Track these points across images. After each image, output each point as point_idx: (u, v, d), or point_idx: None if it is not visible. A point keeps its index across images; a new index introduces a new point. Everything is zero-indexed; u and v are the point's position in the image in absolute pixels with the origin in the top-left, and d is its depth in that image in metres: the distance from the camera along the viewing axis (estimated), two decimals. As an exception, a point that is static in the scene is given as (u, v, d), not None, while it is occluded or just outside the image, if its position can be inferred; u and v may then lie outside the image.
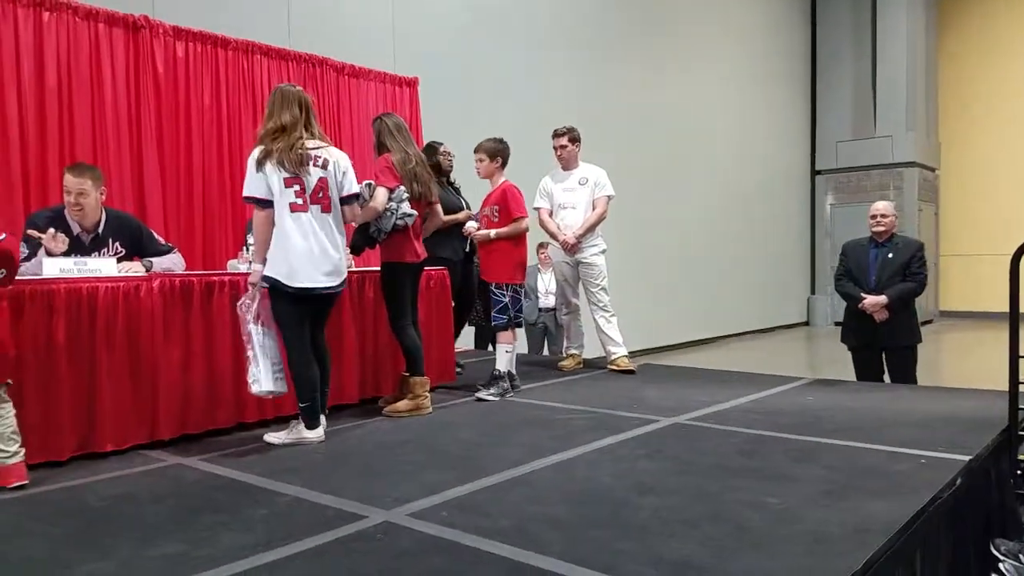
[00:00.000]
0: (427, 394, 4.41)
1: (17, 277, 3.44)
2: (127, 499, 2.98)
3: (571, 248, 5.70)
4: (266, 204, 3.63)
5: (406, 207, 4.24)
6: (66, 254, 3.80)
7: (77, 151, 5.06)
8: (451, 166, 5.57)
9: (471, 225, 5.12)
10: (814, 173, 16.26)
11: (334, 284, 3.80)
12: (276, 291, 3.69)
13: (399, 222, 4.20)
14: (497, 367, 4.86)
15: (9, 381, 3.14)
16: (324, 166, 3.74)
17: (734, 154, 13.56)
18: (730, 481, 3.00)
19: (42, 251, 3.74)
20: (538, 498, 2.86)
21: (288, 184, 3.62)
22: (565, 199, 5.76)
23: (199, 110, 5.65)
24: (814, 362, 11.52)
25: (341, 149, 4.03)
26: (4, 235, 3.06)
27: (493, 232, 4.85)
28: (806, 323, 15.96)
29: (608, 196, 5.76)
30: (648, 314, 10.64)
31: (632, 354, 6.07)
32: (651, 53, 11.63)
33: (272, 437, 3.82)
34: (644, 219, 10.89)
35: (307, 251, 3.67)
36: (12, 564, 2.37)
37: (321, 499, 2.90)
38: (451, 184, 5.59)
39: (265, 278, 3.68)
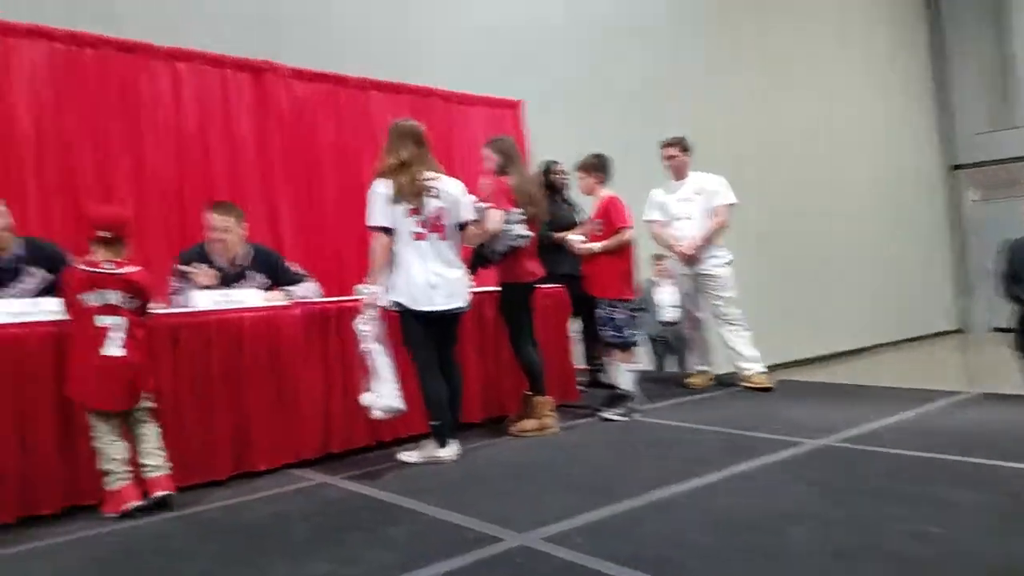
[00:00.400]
0: (552, 413, 4.44)
1: (172, 310, 3.73)
2: (279, 517, 3.13)
3: (689, 259, 5.56)
4: (387, 231, 3.84)
5: (519, 229, 4.33)
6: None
7: (215, 190, 5.36)
8: (565, 184, 5.58)
9: (574, 238, 4.99)
10: (951, 168, 15.06)
11: (455, 306, 3.96)
12: (404, 314, 3.87)
13: (512, 243, 4.31)
14: (620, 386, 4.80)
15: (152, 404, 3.34)
16: (439, 196, 3.92)
17: (862, 156, 12.83)
18: (886, 509, 2.80)
19: (192, 285, 4.01)
20: (678, 525, 2.77)
21: (409, 214, 3.83)
22: (680, 210, 5.65)
23: (322, 146, 5.92)
24: (973, 374, 10.65)
25: (453, 174, 4.18)
26: (138, 268, 3.31)
27: (598, 245, 4.76)
28: (958, 330, 14.77)
29: (729, 204, 5.60)
30: (781, 327, 10.16)
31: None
32: (770, 56, 11.22)
33: (406, 456, 3.93)
34: (772, 230, 10.44)
35: (426, 277, 3.85)
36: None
37: (458, 519, 2.94)
38: (566, 201, 5.59)
39: (394, 303, 3.85)
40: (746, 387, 5.49)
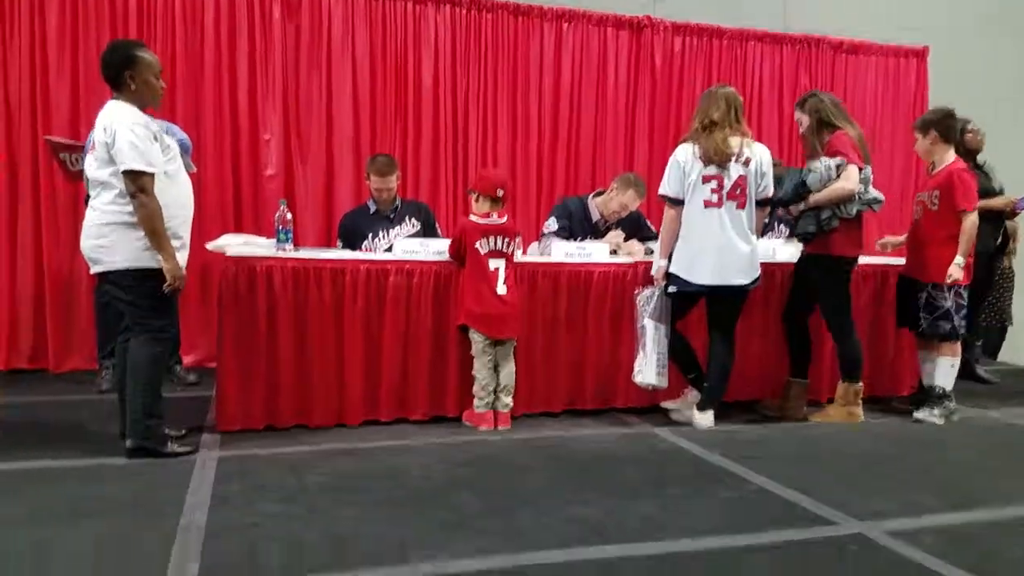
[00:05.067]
0: (859, 403, 4.02)
1: (532, 258, 4.07)
2: (608, 456, 3.29)
3: None
4: (677, 203, 3.70)
5: (874, 192, 3.87)
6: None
7: (582, 148, 5.75)
8: (980, 145, 4.84)
9: None
10: None
11: (746, 282, 3.72)
12: (675, 285, 3.74)
13: (862, 208, 3.86)
14: (938, 383, 4.10)
15: (515, 343, 3.73)
16: (746, 163, 3.66)
17: None
18: None
19: (553, 240, 4.24)
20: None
21: (706, 180, 3.63)
22: None
23: (690, 98, 5.87)
24: None
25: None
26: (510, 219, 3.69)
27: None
28: None
29: None
30: None
31: None
32: None
33: (668, 403, 3.98)
34: None
35: (715, 248, 3.64)
36: (520, 492, 2.79)
37: (789, 495, 2.85)
38: (979, 167, 4.85)
39: (672, 275, 3.74)
40: None
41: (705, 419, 3.82)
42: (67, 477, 2.81)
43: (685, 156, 3.67)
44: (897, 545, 2.39)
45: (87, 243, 2.99)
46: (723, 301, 3.80)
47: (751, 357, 4.19)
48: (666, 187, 3.73)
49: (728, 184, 3.64)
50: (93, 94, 4.45)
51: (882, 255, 4.57)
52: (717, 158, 3.60)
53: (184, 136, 4.14)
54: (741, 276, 3.71)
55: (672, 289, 3.75)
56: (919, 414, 4.08)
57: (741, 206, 3.68)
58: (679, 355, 3.89)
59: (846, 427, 3.92)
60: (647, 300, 3.79)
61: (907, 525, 2.56)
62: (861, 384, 4.03)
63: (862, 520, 2.59)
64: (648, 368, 3.76)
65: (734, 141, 3.64)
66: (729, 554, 2.32)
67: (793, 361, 4.12)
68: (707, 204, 3.65)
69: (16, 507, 2.50)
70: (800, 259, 4.08)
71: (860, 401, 4.03)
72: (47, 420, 3.63)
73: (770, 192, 3.77)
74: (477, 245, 3.64)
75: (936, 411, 4.05)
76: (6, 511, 2.47)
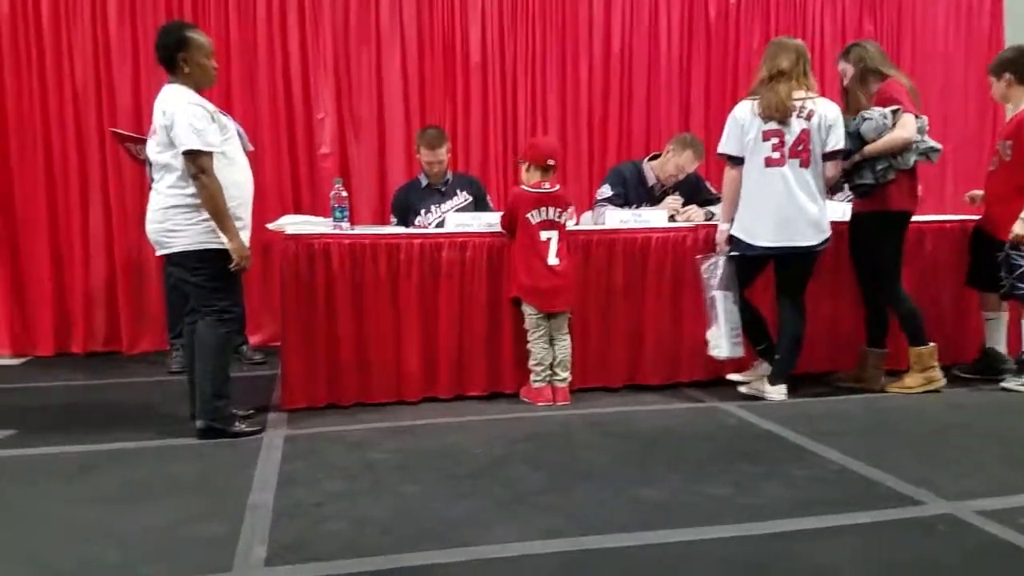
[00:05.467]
0: (936, 365, 3.78)
1: (584, 227, 3.98)
2: (673, 432, 3.22)
3: None
4: (738, 161, 3.55)
5: (930, 140, 3.66)
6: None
7: (634, 111, 5.62)
8: None
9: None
10: None
11: (814, 243, 3.55)
12: (737, 249, 3.60)
13: (919, 158, 3.65)
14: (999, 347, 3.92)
15: (570, 315, 3.68)
16: (808, 117, 3.48)
17: None
18: None
19: (607, 208, 4.14)
20: None
21: (766, 137, 3.47)
22: None
23: (747, 55, 5.70)
24: None
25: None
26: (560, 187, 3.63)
27: None
28: None
29: None
30: None
31: None
32: None
33: (735, 375, 3.79)
34: None
35: (777, 209, 3.48)
36: (579, 471, 2.76)
37: (870, 472, 2.71)
38: None
39: (733, 238, 3.60)
40: None
41: (777, 392, 3.69)
42: (139, 458, 2.90)
43: (743, 112, 3.53)
44: (989, 525, 2.25)
45: (152, 226, 3.05)
46: (790, 264, 3.64)
47: (824, 324, 4.00)
48: (725, 145, 3.59)
49: (790, 140, 3.48)
50: (154, 80, 4.50)
51: (970, 211, 4.27)
52: (778, 113, 3.45)
53: (236, 124, 4.16)
54: (807, 237, 3.54)
55: (734, 253, 3.62)
56: (1008, 384, 3.82)
57: (805, 163, 3.51)
58: (748, 325, 3.74)
59: (927, 398, 3.73)
60: (712, 269, 3.65)
61: (999, 504, 2.40)
62: (933, 345, 3.78)
63: (950, 500, 2.44)
64: (723, 340, 3.63)
65: (798, 95, 3.49)
66: (807, 537, 2.21)
67: (868, 328, 3.94)
68: (768, 162, 3.50)
69: (90, 487, 2.60)
70: (852, 217, 3.85)
71: (936, 364, 3.79)
72: (120, 401, 3.77)
73: (840, 145, 3.56)
74: (528, 216, 3.59)
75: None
76: (80, 491, 2.56)
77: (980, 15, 6.19)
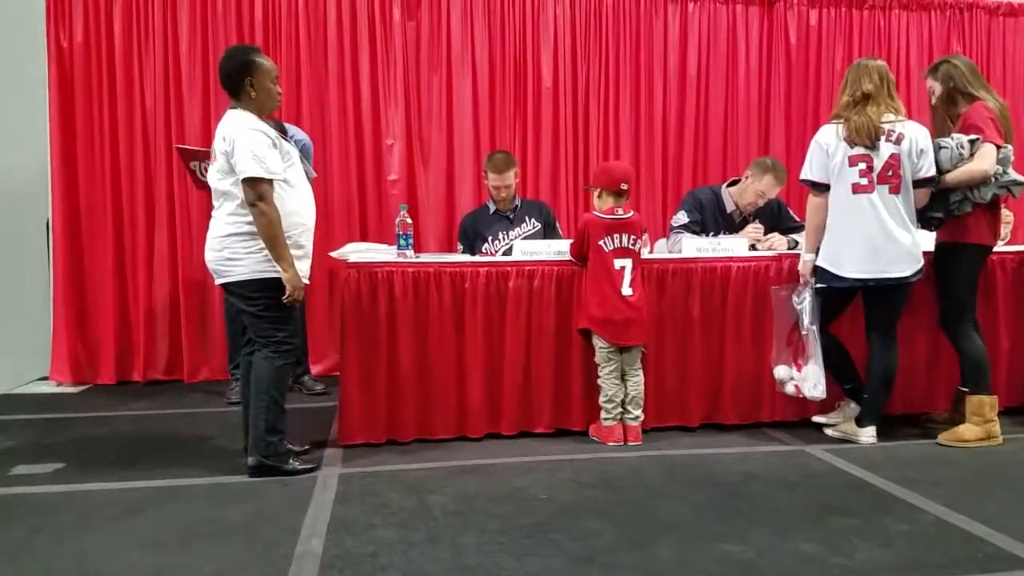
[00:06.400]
0: (996, 418, 3.43)
1: (659, 255, 3.77)
2: (756, 479, 2.96)
3: None
4: (823, 188, 3.32)
5: (1014, 174, 3.36)
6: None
7: (711, 136, 5.40)
8: None
9: None
10: None
11: (906, 274, 3.28)
12: (823, 280, 3.36)
13: (999, 192, 3.35)
14: None
15: (644, 350, 3.48)
16: (898, 141, 3.23)
17: None
18: None
19: (683, 236, 3.93)
20: None
21: (853, 162, 3.24)
22: None
23: (829, 76, 5.44)
24: None
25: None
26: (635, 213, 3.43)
27: None
28: None
29: None
30: None
31: None
32: None
33: (822, 418, 3.57)
34: None
35: (866, 237, 3.24)
36: (657, 523, 2.52)
37: (974, 527, 2.46)
38: None
39: (817, 269, 3.37)
40: None
41: (867, 435, 3.42)
42: (188, 497, 2.78)
43: (827, 137, 3.31)
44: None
45: (210, 255, 2.97)
46: (881, 297, 3.38)
47: (918, 362, 3.72)
48: (808, 172, 3.37)
49: (879, 165, 3.24)
50: (223, 102, 4.51)
51: None
52: (867, 137, 3.22)
53: (305, 136, 4.12)
54: (899, 267, 3.29)
55: (820, 285, 3.37)
56: None
57: (895, 190, 3.26)
58: (834, 362, 3.49)
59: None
60: (802, 301, 3.40)
61: None
62: (995, 396, 3.46)
63: (1067, 562, 2.18)
64: (820, 379, 3.38)
65: (887, 117, 3.25)
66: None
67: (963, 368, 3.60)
68: (856, 189, 3.26)
69: (135, 531, 2.46)
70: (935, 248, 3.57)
71: (996, 417, 3.44)
72: (175, 433, 3.68)
73: (931, 173, 3.30)
74: (601, 243, 3.40)
75: None
76: (124, 536, 2.43)
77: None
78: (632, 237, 3.43)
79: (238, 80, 2.92)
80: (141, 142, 4.75)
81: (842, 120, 3.29)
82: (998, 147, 3.34)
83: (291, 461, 2.99)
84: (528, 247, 3.67)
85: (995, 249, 3.56)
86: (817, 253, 3.40)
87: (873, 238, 3.27)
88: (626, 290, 3.40)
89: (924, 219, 3.45)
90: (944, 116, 3.53)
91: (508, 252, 3.97)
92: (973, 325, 3.50)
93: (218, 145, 2.89)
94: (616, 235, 3.41)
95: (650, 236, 3.97)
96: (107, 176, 4.73)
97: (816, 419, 3.58)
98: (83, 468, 3.11)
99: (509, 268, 3.48)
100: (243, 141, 2.80)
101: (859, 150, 3.25)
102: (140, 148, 4.75)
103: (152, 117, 4.75)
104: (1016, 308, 3.84)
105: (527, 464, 3.12)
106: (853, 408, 3.52)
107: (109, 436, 3.63)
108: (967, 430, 3.42)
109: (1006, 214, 3.67)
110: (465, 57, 5.07)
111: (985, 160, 3.31)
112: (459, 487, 2.85)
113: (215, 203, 3.00)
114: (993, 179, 3.34)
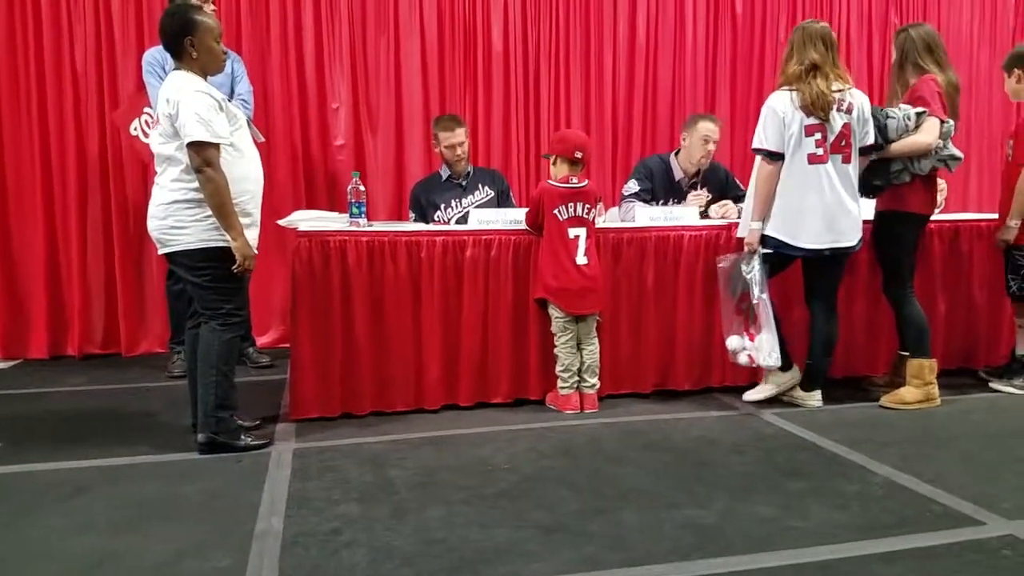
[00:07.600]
0: (935, 381, 3.56)
1: (612, 224, 3.76)
2: (711, 444, 3.01)
3: None
4: (778, 157, 3.32)
5: (952, 148, 3.46)
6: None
7: (659, 104, 5.40)
8: None
9: None
10: None
11: (852, 244, 3.37)
12: (780, 253, 3.39)
13: (937, 165, 3.46)
14: (1018, 351, 3.75)
15: (599, 319, 3.49)
16: (848, 111, 3.28)
17: None
18: None
19: (635, 204, 3.95)
20: None
21: (809, 132, 3.26)
22: None
23: (773, 45, 5.48)
24: None
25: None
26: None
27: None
28: None
29: None
30: None
31: None
32: None
33: (754, 394, 3.56)
34: None
35: (823, 208, 3.29)
36: (620, 490, 2.54)
37: (921, 487, 2.55)
38: None
39: (767, 239, 3.37)
40: None
41: (813, 399, 3.52)
42: (138, 476, 2.67)
43: (783, 105, 3.29)
44: (1061, 550, 2.06)
45: (153, 223, 2.82)
46: (827, 267, 3.44)
47: (855, 327, 3.83)
48: (763, 140, 3.34)
49: (832, 136, 3.27)
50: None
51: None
52: (821, 107, 3.23)
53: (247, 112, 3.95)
54: (850, 237, 3.37)
55: (767, 251, 3.40)
56: (997, 384, 3.80)
57: (847, 159, 3.32)
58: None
59: (972, 402, 3.58)
60: (752, 270, 3.40)
61: (1076, 526, 2.21)
62: (935, 359, 3.58)
63: (1011, 519, 2.28)
64: (774, 347, 3.38)
65: (836, 86, 3.27)
66: (867, 564, 2.03)
67: (900, 332, 3.72)
68: (812, 159, 3.28)
69: (85, 513, 2.36)
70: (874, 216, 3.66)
71: (935, 379, 3.56)
72: (117, 409, 3.53)
73: (870, 140, 3.37)
74: (556, 212, 3.38)
75: (1017, 381, 3.75)
76: (75, 518, 2.33)
77: (1005, 10, 5.97)
78: (586, 206, 3.41)
79: (178, 40, 2.76)
80: (72, 106, 4.49)
81: (794, 89, 3.29)
82: (942, 122, 3.42)
83: (243, 437, 2.91)
84: (484, 216, 3.63)
85: (932, 218, 3.67)
86: (763, 223, 3.41)
87: (830, 208, 3.31)
88: (581, 259, 3.39)
89: (865, 186, 3.51)
90: (894, 86, 3.60)
91: (461, 220, 3.91)
92: (912, 289, 3.61)
93: (161, 108, 2.75)
94: (571, 204, 3.38)
95: (604, 204, 3.98)
96: (35, 141, 4.46)
97: (748, 397, 3.57)
98: (21, 448, 2.96)
99: (466, 237, 3.42)
100: (187, 103, 2.66)
101: (814, 120, 3.27)
102: (71, 112, 4.49)
103: (84, 81, 4.49)
104: (952, 275, 3.98)
105: (487, 434, 3.11)
106: (781, 375, 3.54)
107: (46, 413, 3.46)
108: (908, 392, 3.53)
109: (940, 183, 3.78)
110: (413, 18, 4.93)
111: (929, 133, 3.38)
112: (420, 459, 2.82)
113: (158, 168, 2.85)
114: (933, 152, 3.42)
